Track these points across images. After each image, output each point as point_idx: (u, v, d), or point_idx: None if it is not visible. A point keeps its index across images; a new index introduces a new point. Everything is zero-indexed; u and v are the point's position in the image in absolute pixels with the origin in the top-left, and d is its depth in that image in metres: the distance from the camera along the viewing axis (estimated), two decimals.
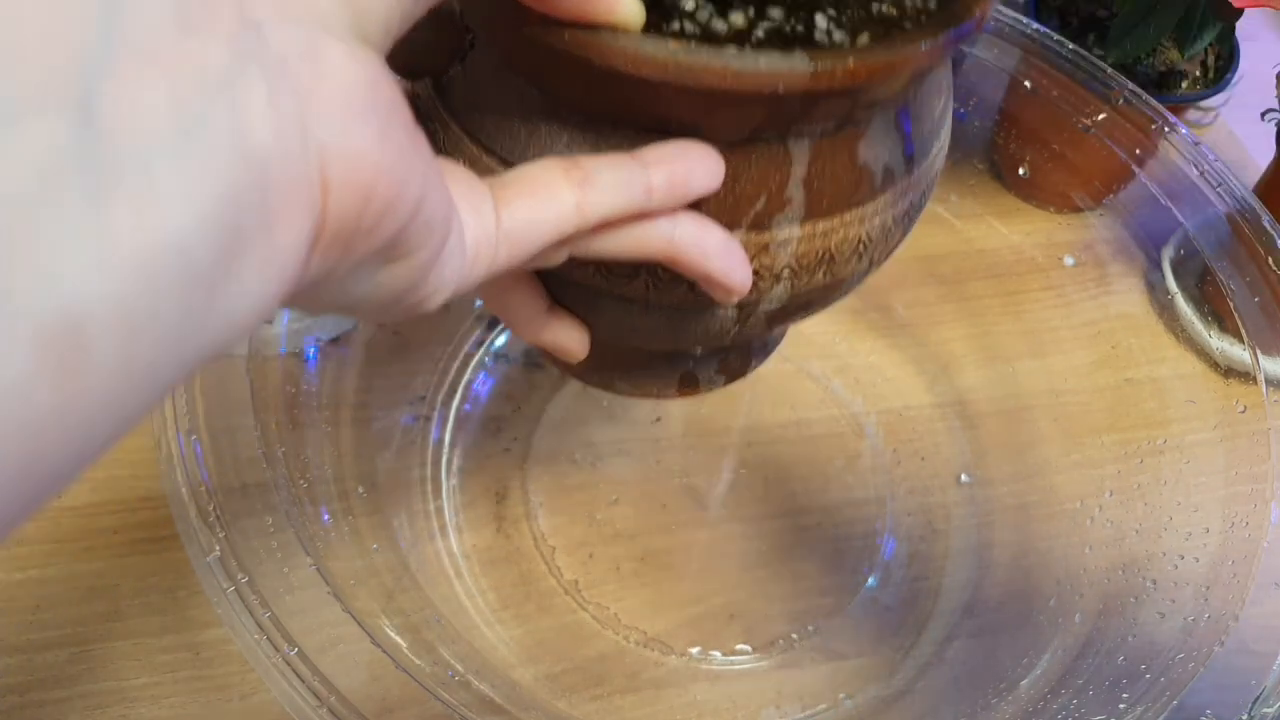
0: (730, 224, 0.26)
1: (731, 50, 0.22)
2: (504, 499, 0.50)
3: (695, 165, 0.24)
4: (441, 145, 0.27)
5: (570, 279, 0.28)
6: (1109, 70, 0.48)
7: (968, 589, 0.49)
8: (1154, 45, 0.56)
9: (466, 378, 0.54)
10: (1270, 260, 0.43)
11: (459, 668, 0.38)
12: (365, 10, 0.18)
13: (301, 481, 0.38)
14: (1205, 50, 0.60)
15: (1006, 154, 0.56)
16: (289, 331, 0.42)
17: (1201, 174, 0.46)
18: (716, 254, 0.25)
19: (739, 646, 0.47)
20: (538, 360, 0.55)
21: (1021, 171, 0.55)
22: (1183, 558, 0.43)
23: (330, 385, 0.45)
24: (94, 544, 0.46)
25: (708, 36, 0.23)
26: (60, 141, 0.12)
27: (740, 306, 0.29)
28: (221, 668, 0.43)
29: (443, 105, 0.27)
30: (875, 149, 0.27)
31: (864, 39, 0.24)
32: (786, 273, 0.28)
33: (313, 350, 0.44)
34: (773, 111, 0.24)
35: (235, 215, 0.15)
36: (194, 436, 0.34)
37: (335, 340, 0.47)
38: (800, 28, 0.24)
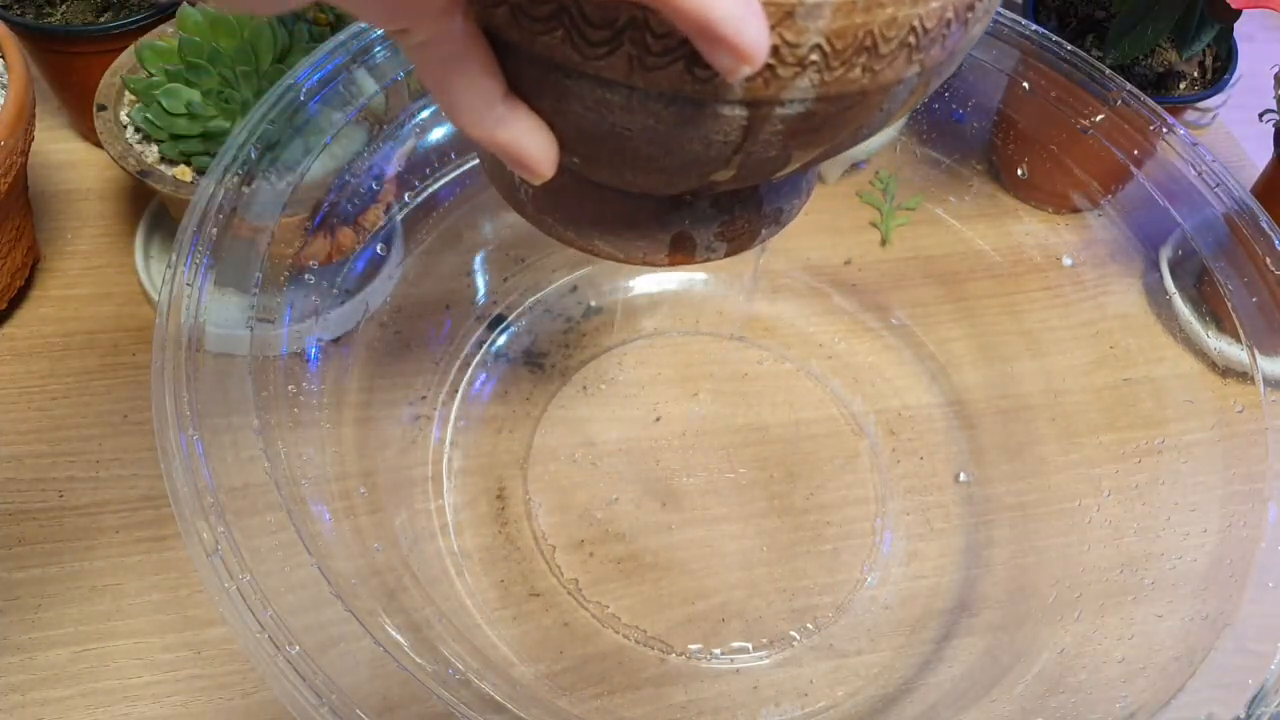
0: None
1: None
2: (504, 499, 0.50)
3: None
4: None
5: (534, 52, 0.23)
6: (1107, 71, 0.49)
7: (966, 588, 0.49)
8: (1152, 46, 0.56)
9: (467, 378, 0.54)
10: (1268, 261, 0.44)
11: (459, 666, 0.38)
12: None
13: (303, 481, 0.38)
14: (1203, 51, 0.60)
15: (1005, 155, 0.56)
16: (291, 332, 0.42)
17: (1199, 175, 0.46)
18: None
19: (738, 645, 0.47)
20: (539, 360, 0.55)
21: (1020, 172, 0.56)
22: (1180, 557, 0.43)
23: (331, 385, 0.45)
24: (96, 543, 0.46)
25: None
26: None
27: (751, 105, 0.23)
28: (223, 666, 0.43)
29: None
30: None
31: None
32: (815, 56, 0.22)
33: (314, 350, 0.44)
34: None
35: None
36: (195, 436, 0.34)
37: (337, 340, 0.47)
38: None
